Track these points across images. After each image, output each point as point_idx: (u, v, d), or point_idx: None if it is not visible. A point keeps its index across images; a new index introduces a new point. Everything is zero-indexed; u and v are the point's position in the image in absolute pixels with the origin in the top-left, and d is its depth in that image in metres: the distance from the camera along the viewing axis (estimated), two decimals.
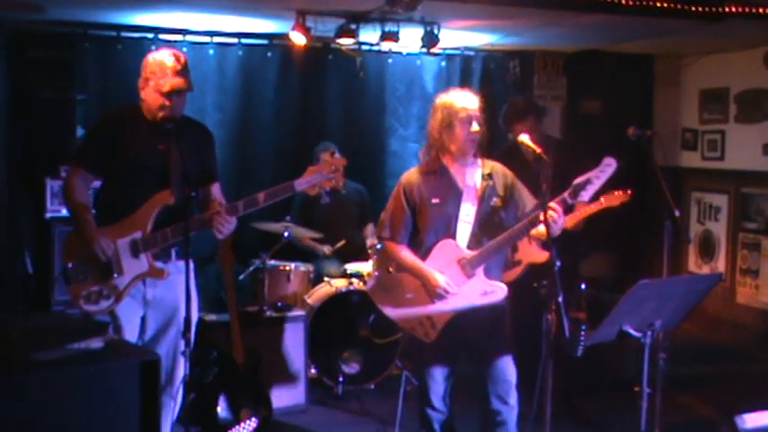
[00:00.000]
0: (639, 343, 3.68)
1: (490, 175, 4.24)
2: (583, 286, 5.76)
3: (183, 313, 3.97)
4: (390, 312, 4.35)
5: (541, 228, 3.97)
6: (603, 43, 7.66)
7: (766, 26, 6.33)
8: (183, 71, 4.21)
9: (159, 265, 4.20)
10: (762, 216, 7.75)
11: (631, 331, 3.63)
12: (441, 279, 4.12)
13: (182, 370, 4.24)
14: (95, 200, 4.38)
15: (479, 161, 4.28)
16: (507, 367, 4.22)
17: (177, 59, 4.21)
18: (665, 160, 6.90)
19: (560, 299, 3.61)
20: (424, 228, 4.23)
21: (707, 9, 5.99)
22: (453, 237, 4.18)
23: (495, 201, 4.20)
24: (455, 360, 4.33)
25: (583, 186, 4.05)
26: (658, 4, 5.87)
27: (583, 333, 5.49)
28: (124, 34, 6.76)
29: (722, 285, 7.91)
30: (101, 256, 4.10)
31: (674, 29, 6.58)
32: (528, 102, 6.04)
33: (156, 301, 4.27)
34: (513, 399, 4.22)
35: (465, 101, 4.18)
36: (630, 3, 5.83)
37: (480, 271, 4.16)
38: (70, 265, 4.16)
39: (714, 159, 8.29)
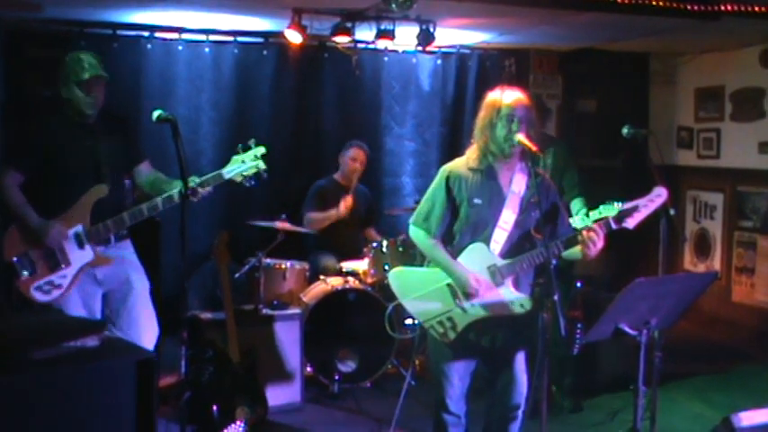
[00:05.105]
0: (635, 341, 3.69)
1: (536, 185, 3.98)
2: (578, 285, 5.76)
3: (135, 282, 4.63)
4: (410, 307, 4.22)
5: (575, 249, 3.94)
6: (599, 42, 7.67)
7: (762, 25, 6.35)
8: (97, 63, 4.50)
9: (103, 252, 4.52)
10: (757, 214, 7.77)
11: (627, 329, 3.63)
12: (471, 278, 3.98)
13: (152, 333, 4.68)
14: (30, 197, 4.52)
15: (528, 167, 4.05)
16: (521, 379, 4.15)
17: (92, 55, 4.54)
18: (660, 159, 6.89)
19: (556, 297, 3.59)
20: (461, 226, 4.07)
21: (703, 8, 6.00)
22: (488, 241, 4.00)
23: (536, 212, 3.97)
24: (472, 363, 4.20)
25: (629, 213, 3.93)
26: (654, 3, 5.87)
27: (579, 331, 5.52)
28: (120, 33, 6.77)
29: (718, 284, 7.93)
30: (54, 244, 4.38)
31: (669, 27, 6.58)
32: (536, 97, 6.01)
33: (107, 279, 4.61)
34: (521, 410, 4.17)
35: (510, 99, 3.99)
36: (626, 1, 5.83)
37: (509, 281, 4.01)
38: (15, 260, 4.38)
39: (710, 158, 8.31)
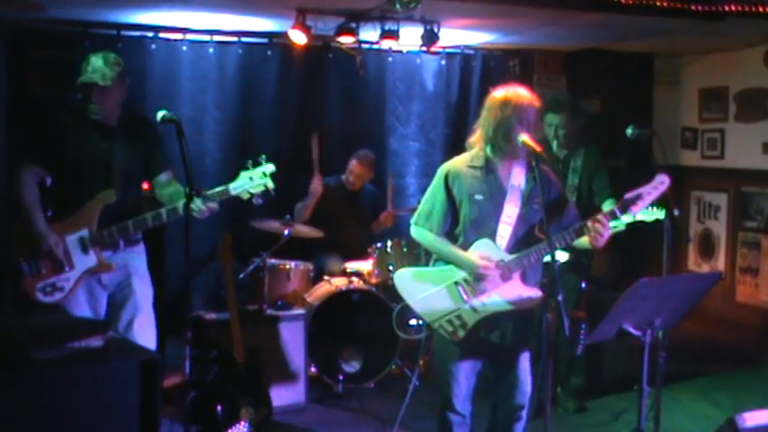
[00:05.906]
0: (639, 342, 3.69)
1: (536, 178, 3.95)
2: (583, 285, 5.76)
3: (137, 288, 4.58)
4: (417, 307, 4.20)
5: (584, 239, 3.97)
6: (603, 42, 7.66)
7: (766, 25, 6.34)
8: (105, 67, 4.37)
9: (107, 258, 4.49)
10: (762, 215, 7.77)
11: (631, 330, 3.63)
12: (478, 259, 3.97)
13: (148, 340, 4.55)
14: (48, 196, 4.53)
15: (527, 162, 4.05)
16: (526, 378, 4.15)
17: (104, 59, 4.40)
18: (664, 159, 6.88)
19: (560, 298, 3.59)
20: (464, 224, 4.06)
21: (707, 8, 5.99)
22: (493, 237, 4.01)
23: (538, 205, 3.97)
24: (479, 363, 4.20)
25: (633, 201, 3.97)
26: (658, 3, 5.87)
27: (583, 332, 5.52)
28: (124, 33, 6.77)
29: (722, 284, 7.92)
30: (51, 253, 4.36)
31: (673, 28, 6.58)
32: (571, 98, 6.00)
33: (112, 282, 4.59)
34: (525, 410, 4.17)
35: (526, 100, 4.01)
36: (630, 1, 5.82)
37: (517, 275, 4.02)
38: (22, 260, 4.39)
39: (714, 158, 8.30)
